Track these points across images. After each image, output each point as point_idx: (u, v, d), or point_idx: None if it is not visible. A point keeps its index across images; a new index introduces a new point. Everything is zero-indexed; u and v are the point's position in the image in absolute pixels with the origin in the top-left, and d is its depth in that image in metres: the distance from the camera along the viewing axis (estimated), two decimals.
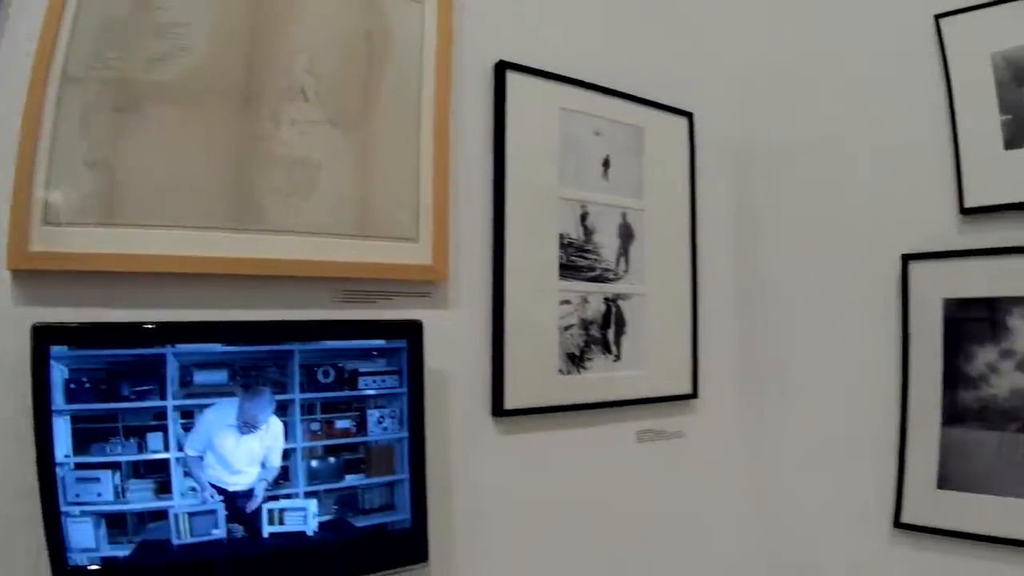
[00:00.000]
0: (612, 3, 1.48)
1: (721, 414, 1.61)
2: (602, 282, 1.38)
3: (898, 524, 1.37)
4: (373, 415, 1.01)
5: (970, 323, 1.31)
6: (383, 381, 1.01)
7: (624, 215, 1.42)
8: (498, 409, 1.23)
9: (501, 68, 1.27)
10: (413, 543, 1.03)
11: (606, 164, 1.38)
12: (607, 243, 1.38)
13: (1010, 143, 1.27)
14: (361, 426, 1.00)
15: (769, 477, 1.58)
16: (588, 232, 1.35)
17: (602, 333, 1.37)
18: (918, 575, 1.35)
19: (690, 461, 1.54)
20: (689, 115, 1.56)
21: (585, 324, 1.34)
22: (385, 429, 1.02)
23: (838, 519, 1.46)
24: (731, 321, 1.64)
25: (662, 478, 1.49)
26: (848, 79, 1.49)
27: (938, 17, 1.36)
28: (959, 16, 1.34)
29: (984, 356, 1.28)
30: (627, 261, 1.43)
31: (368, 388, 1.01)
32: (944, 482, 1.32)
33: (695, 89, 1.59)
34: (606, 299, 1.38)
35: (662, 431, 1.49)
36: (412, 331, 1.05)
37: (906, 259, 1.37)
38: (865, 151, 1.45)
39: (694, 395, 1.55)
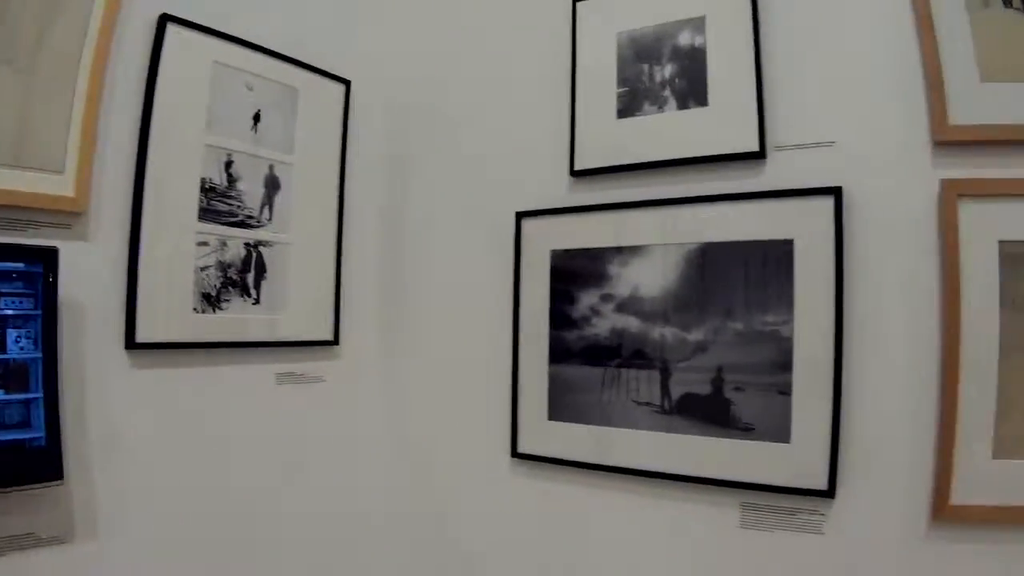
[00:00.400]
0: None
1: (362, 360, 1.66)
2: (244, 228, 1.40)
3: (515, 454, 1.46)
4: (11, 334, 1.05)
5: (575, 271, 1.43)
6: (20, 302, 1.05)
7: (272, 167, 1.43)
8: (131, 342, 1.24)
9: (163, 21, 1.28)
10: (48, 461, 1.07)
11: (256, 118, 1.41)
12: (251, 192, 1.41)
13: (622, 112, 1.41)
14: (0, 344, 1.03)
15: (407, 420, 1.66)
16: (232, 180, 1.37)
17: (241, 276, 1.39)
18: (534, 502, 1.49)
19: (331, 405, 1.59)
20: (347, 82, 1.60)
21: (223, 266, 1.36)
22: (22, 348, 1.05)
23: (467, 453, 1.57)
24: (374, 273, 1.69)
25: (303, 421, 1.53)
26: (490, 52, 1.59)
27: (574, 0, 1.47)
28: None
29: (587, 300, 1.38)
30: (271, 210, 1.44)
31: (6, 308, 1.04)
32: (554, 414, 1.40)
33: (354, 57, 1.62)
34: (247, 244, 1.40)
35: (302, 375, 1.52)
36: (47, 256, 1.07)
37: (520, 216, 1.49)
38: (496, 120, 1.57)
39: (335, 342, 1.58)
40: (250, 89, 1.41)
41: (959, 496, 1.12)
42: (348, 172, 1.62)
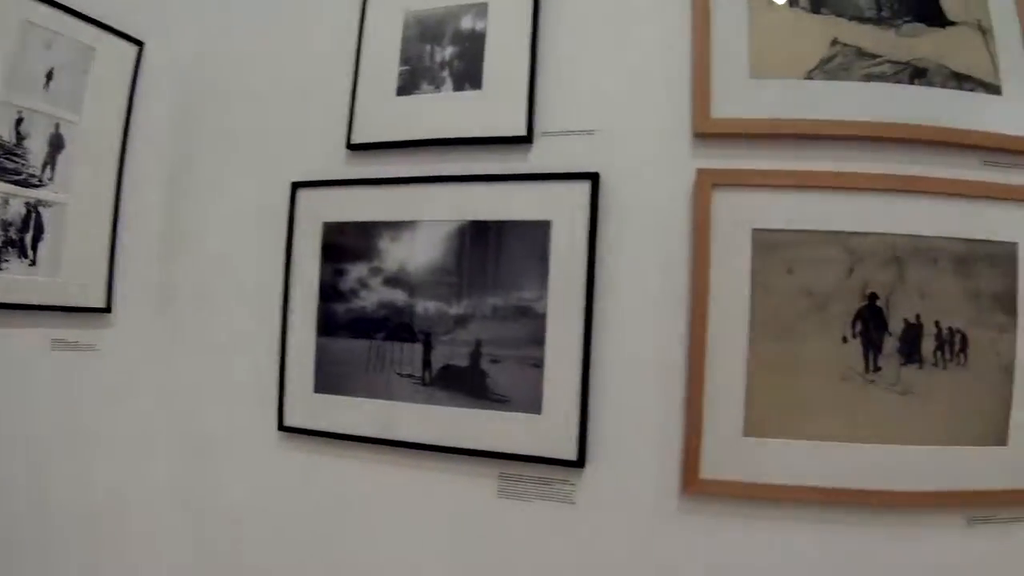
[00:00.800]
0: None
1: (136, 329, 1.38)
2: (26, 187, 1.17)
3: (282, 427, 1.26)
4: None
5: (346, 244, 1.22)
6: None
7: (57, 126, 1.22)
8: None
9: None
10: None
11: (49, 76, 1.23)
12: (36, 150, 1.19)
13: (402, 90, 1.25)
14: None
15: (179, 392, 1.39)
16: (20, 137, 1.18)
17: (20, 236, 1.17)
18: (300, 475, 1.29)
19: (103, 375, 1.34)
20: (140, 44, 1.36)
21: (4, 224, 1.16)
22: None
23: (237, 427, 1.35)
24: (154, 240, 1.43)
25: (76, 390, 1.29)
26: (282, 23, 1.45)
27: None
28: None
29: (356, 273, 1.25)
30: (53, 170, 1.22)
31: None
32: (320, 387, 1.27)
33: (150, 19, 1.41)
34: (27, 203, 1.17)
35: (75, 342, 1.29)
36: None
37: (295, 186, 1.29)
38: (282, 90, 1.39)
39: (107, 309, 1.33)
40: (48, 47, 1.21)
41: (709, 470, 1.05)
42: (132, 135, 1.34)
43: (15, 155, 1.19)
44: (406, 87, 1.24)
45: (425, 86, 1.22)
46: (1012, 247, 1.05)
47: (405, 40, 1.27)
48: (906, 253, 1.03)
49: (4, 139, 1.16)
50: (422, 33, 1.25)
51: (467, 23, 1.22)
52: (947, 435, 1.05)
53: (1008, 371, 1.03)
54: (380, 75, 1.26)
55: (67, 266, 1.26)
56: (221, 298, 1.36)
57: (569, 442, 1.11)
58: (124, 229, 1.34)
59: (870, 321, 1.04)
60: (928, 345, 1.04)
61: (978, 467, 1.05)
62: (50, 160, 1.24)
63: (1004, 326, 1.04)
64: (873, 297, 1.04)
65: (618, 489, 1.09)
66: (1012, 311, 1.04)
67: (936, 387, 1.03)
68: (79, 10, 1.23)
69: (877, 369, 1.04)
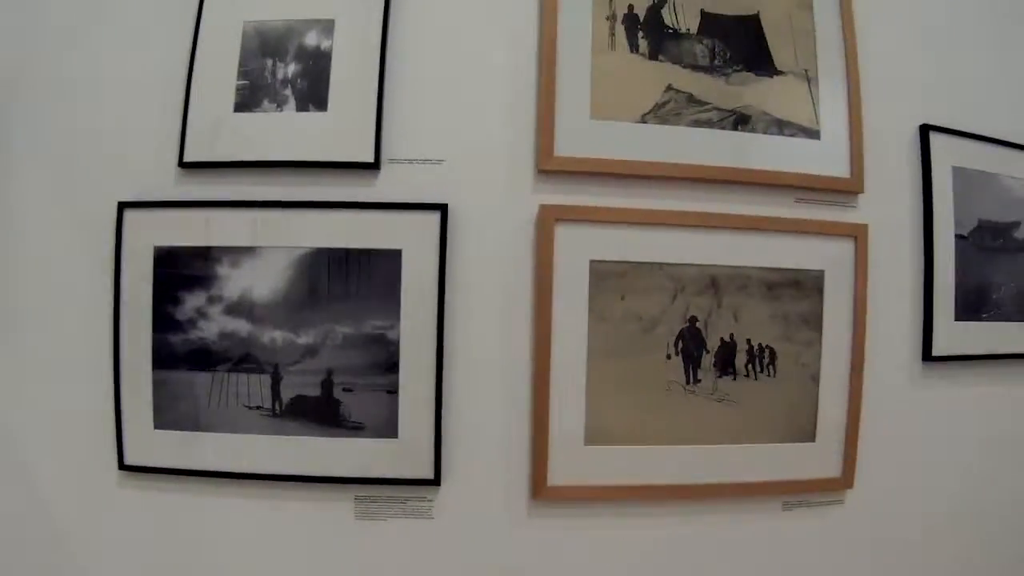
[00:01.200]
0: None
1: None
2: None
3: (123, 467, 1.24)
4: None
5: (180, 270, 1.20)
6: None
7: None
8: None
9: None
10: None
11: None
12: None
13: (240, 107, 1.23)
14: None
15: (7, 437, 1.28)
16: None
17: None
18: (147, 515, 1.27)
19: None
20: None
21: None
22: None
23: (73, 468, 1.28)
24: None
25: None
26: (106, 22, 1.32)
27: None
28: None
29: (193, 301, 1.20)
30: None
31: None
32: (161, 423, 1.22)
33: None
34: None
35: None
36: None
37: (122, 206, 1.22)
38: (102, 99, 1.29)
39: None
40: None
41: (555, 478, 1.19)
42: None
43: None
44: (246, 103, 1.24)
45: (266, 104, 1.22)
46: (819, 273, 1.28)
47: (244, 52, 1.25)
48: (722, 281, 1.21)
49: None
50: (262, 46, 1.24)
51: (312, 39, 1.23)
52: (761, 434, 1.27)
53: (815, 379, 1.28)
54: (216, 89, 1.24)
55: None
56: (41, 327, 1.27)
57: (426, 462, 1.21)
58: None
59: (690, 340, 1.21)
60: (741, 359, 1.25)
61: (791, 460, 1.28)
62: None
63: (811, 341, 1.27)
64: (693, 320, 1.22)
65: (474, 500, 1.21)
66: (818, 328, 1.27)
67: (749, 395, 1.25)
68: None
69: (697, 381, 1.24)
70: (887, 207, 1.31)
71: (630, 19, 1.25)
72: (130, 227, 1.22)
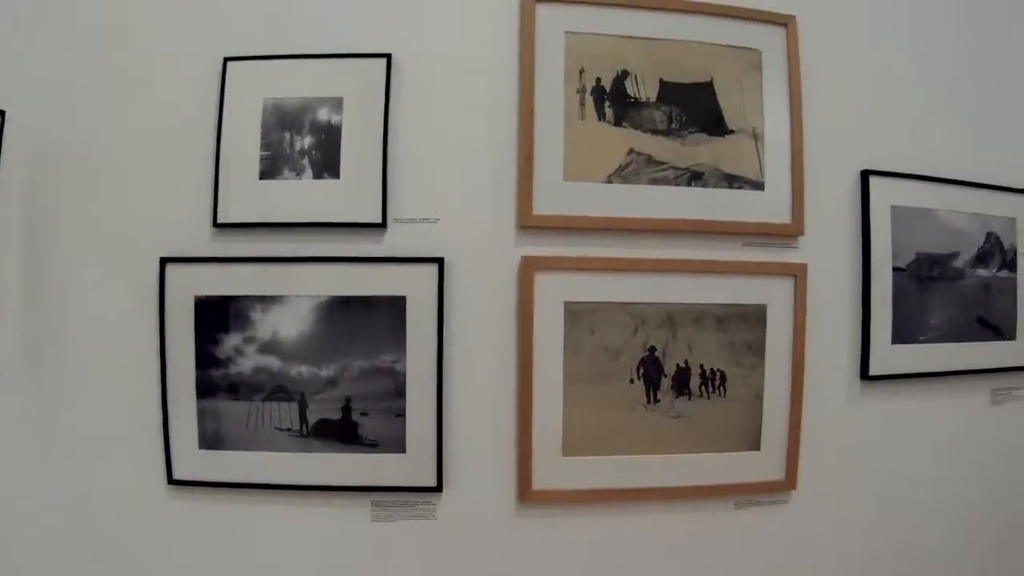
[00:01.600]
0: None
1: (17, 397, 1.53)
2: None
3: (172, 481, 1.53)
4: None
5: (218, 316, 1.50)
6: None
7: None
8: None
9: None
10: None
11: None
12: None
13: (264, 175, 1.50)
14: None
15: (64, 459, 1.56)
16: None
17: None
18: (192, 524, 1.55)
19: None
20: (1, 112, 1.43)
21: None
22: None
23: (126, 487, 1.55)
24: (17, 313, 1.54)
25: None
26: (142, 102, 1.54)
27: (227, 60, 1.51)
28: (243, 62, 1.51)
29: (231, 342, 1.50)
30: None
31: None
32: (206, 444, 1.52)
33: (7, 83, 1.48)
34: None
35: None
36: None
37: (164, 262, 1.50)
38: (143, 169, 1.53)
39: None
40: None
41: (539, 483, 1.48)
42: None
43: None
44: (269, 172, 1.50)
45: (287, 172, 1.49)
46: (762, 308, 1.55)
47: (265, 126, 1.52)
48: (678, 316, 1.47)
49: None
50: (281, 120, 1.51)
51: (323, 115, 1.49)
52: (714, 445, 1.56)
53: (759, 397, 1.57)
54: (243, 159, 1.51)
55: None
56: (98, 366, 1.54)
57: (429, 472, 1.51)
58: None
59: (650, 367, 1.47)
60: (695, 382, 1.53)
61: (740, 466, 1.57)
62: None
63: (755, 365, 1.54)
64: (652, 349, 1.50)
65: (470, 504, 1.50)
66: (761, 354, 1.55)
67: (702, 412, 1.54)
68: None
69: (657, 401, 1.53)
70: (827, 246, 1.57)
71: (598, 91, 1.51)
72: (172, 279, 1.50)
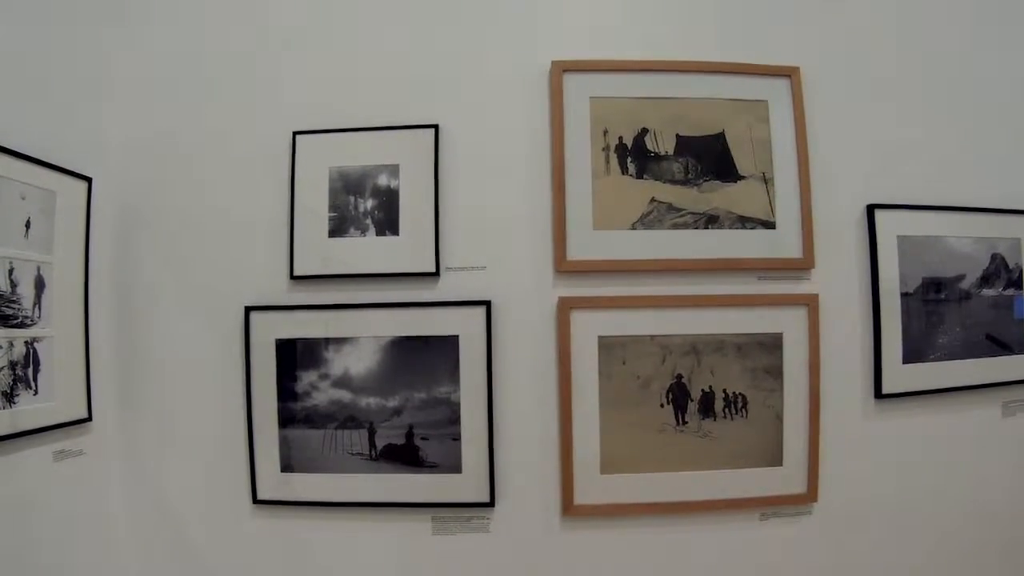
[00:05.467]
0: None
1: (114, 433, 1.90)
2: (23, 327, 1.56)
3: (256, 501, 1.87)
4: None
5: (296, 356, 1.85)
6: None
7: (39, 268, 1.60)
8: None
9: None
10: None
11: (27, 225, 1.57)
12: (26, 294, 1.56)
13: (333, 233, 1.85)
14: None
15: (157, 486, 1.91)
16: (14, 285, 1.54)
17: (24, 372, 1.57)
18: (275, 539, 1.89)
19: (92, 477, 1.82)
20: (89, 180, 1.77)
21: (12, 365, 1.52)
22: None
23: (214, 507, 1.90)
24: (113, 357, 1.92)
25: (74, 492, 1.75)
26: (225, 171, 1.92)
27: (296, 134, 1.87)
28: (309, 136, 1.88)
29: (307, 378, 1.92)
30: (40, 308, 1.61)
31: None
32: (287, 467, 1.92)
33: (96, 153, 1.83)
34: (26, 342, 1.57)
35: (70, 450, 1.76)
36: None
37: (248, 310, 1.85)
38: (226, 226, 1.90)
39: (89, 418, 1.81)
40: (23, 198, 1.59)
41: (580, 499, 1.77)
42: (92, 266, 1.82)
43: (12, 302, 1.61)
44: (336, 230, 1.85)
45: (352, 231, 1.83)
46: (778, 336, 1.83)
47: (332, 191, 1.87)
48: (701, 346, 1.79)
49: (2, 290, 1.57)
50: (346, 186, 1.85)
51: (383, 180, 1.84)
52: (738, 461, 1.83)
53: (779, 417, 1.83)
54: (313, 219, 1.86)
55: (58, 390, 1.72)
56: (187, 402, 1.90)
57: (483, 490, 1.81)
58: (93, 347, 1.83)
59: (678, 392, 1.78)
60: (719, 405, 1.81)
61: (764, 481, 1.84)
62: (36, 300, 1.67)
63: (774, 388, 1.82)
64: (679, 376, 1.79)
65: (520, 517, 1.78)
66: (779, 377, 1.82)
67: (726, 431, 1.82)
68: (40, 158, 1.54)
69: (685, 423, 1.81)
70: (838, 276, 1.87)
71: (621, 148, 1.84)
72: (256, 325, 1.87)
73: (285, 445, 1.87)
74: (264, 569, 1.88)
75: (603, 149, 1.84)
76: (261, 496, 1.87)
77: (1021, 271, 1.98)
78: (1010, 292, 1.96)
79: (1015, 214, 1.99)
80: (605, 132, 1.84)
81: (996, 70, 2.03)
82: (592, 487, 1.81)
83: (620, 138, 1.85)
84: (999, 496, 1.99)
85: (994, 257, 1.95)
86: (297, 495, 1.87)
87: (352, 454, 1.85)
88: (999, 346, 1.94)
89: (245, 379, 1.87)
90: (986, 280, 1.94)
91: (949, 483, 1.96)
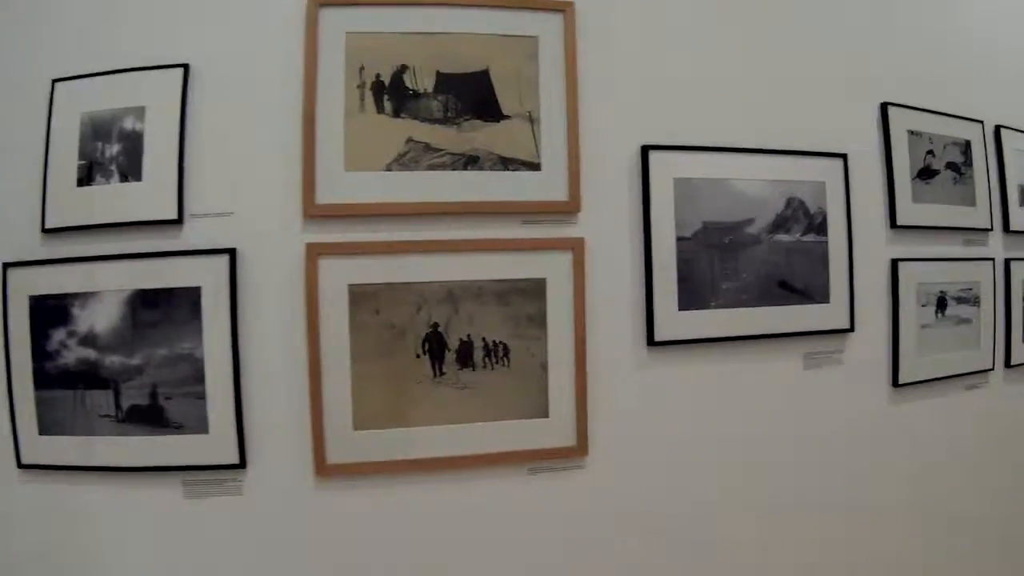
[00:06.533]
0: None
1: None
2: None
3: (20, 466, 1.81)
4: None
5: (48, 313, 1.78)
6: None
7: None
8: None
9: None
10: None
11: None
12: None
13: (81, 181, 1.78)
14: None
15: None
16: None
17: None
18: (40, 504, 1.83)
19: None
20: None
21: None
22: None
23: None
24: None
25: None
26: None
27: (55, 81, 1.81)
28: (68, 82, 1.81)
29: (58, 337, 1.85)
30: None
31: None
32: (44, 430, 1.80)
33: None
34: None
35: None
36: None
37: (5, 266, 1.79)
38: None
39: None
40: None
41: (333, 458, 1.74)
42: None
43: None
44: (84, 179, 1.78)
45: (99, 178, 1.76)
46: (542, 281, 1.76)
47: (82, 138, 1.79)
48: (460, 292, 1.72)
49: None
50: (95, 132, 1.78)
51: (129, 124, 1.77)
52: (502, 413, 1.77)
53: (544, 367, 1.78)
54: (64, 169, 1.79)
55: None
56: None
57: (231, 451, 1.75)
58: None
59: (434, 342, 1.71)
60: (479, 354, 1.74)
61: (531, 433, 1.79)
62: None
63: (538, 336, 1.76)
64: (436, 325, 1.72)
65: (273, 478, 1.69)
66: (543, 325, 1.76)
67: (488, 382, 1.76)
68: None
69: (443, 374, 1.75)
70: (608, 220, 1.81)
71: (377, 86, 1.77)
72: (11, 281, 1.81)
73: (42, 406, 1.80)
74: (31, 534, 1.83)
75: (358, 87, 1.77)
76: (24, 460, 1.81)
77: (825, 216, 1.88)
78: (810, 238, 1.88)
79: (819, 156, 1.90)
80: (361, 69, 1.77)
81: (794, 10, 1.98)
82: (346, 445, 1.75)
83: (377, 75, 1.78)
84: (802, 449, 2.00)
85: (790, 201, 1.87)
86: (54, 459, 1.80)
87: (101, 416, 1.78)
88: (798, 294, 1.85)
89: (3, 339, 1.80)
90: (780, 225, 1.85)
91: (743, 434, 1.96)
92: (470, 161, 1.76)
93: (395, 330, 1.75)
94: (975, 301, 2.11)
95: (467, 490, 1.80)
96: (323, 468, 1.74)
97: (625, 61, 1.81)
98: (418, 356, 1.76)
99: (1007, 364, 2.22)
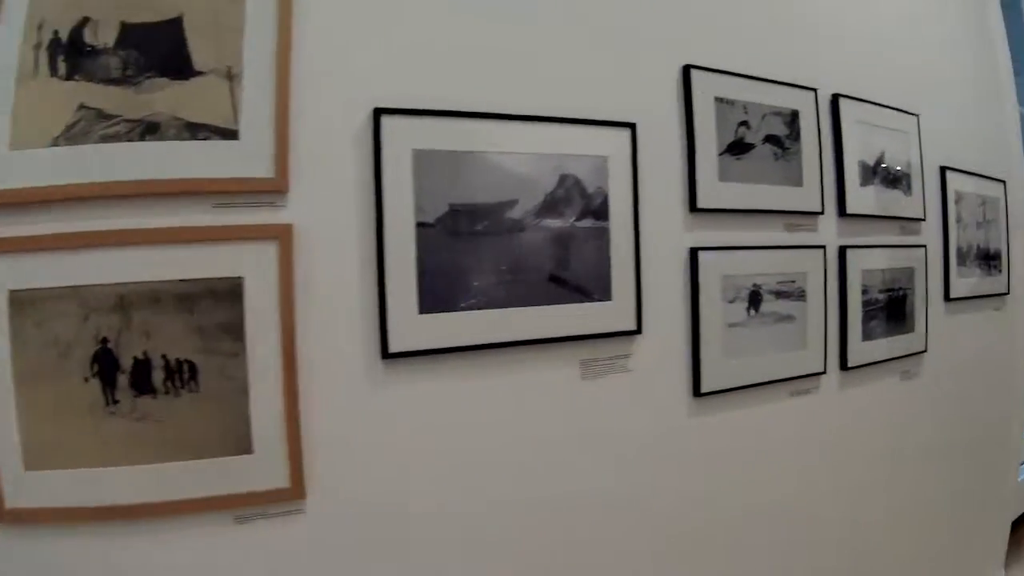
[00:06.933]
0: None
1: None
2: None
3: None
4: None
5: None
6: None
7: None
8: None
9: None
10: None
11: None
12: None
13: None
14: None
15: None
16: None
17: None
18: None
19: None
20: None
21: None
22: None
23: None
24: None
25: None
26: None
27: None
28: None
29: None
30: None
31: None
32: None
33: None
34: None
35: None
36: None
37: None
38: None
39: None
40: None
41: (10, 502, 1.44)
42: None
43: None
44: None
45: None
46: (238, 280, 1.40)
47: None
48: (131, 298, 1.36)
49: None
50: None
51: None
52: (195, 451, 1.44)
53: (244, 390, 1.41)
54: None
55: None
56: None
57: None
58: None
59: (105, 361, 1.34)
60: (159, 376, 1.40)
61: (233, 474, 1.45)
62: None
63: (236, 352, 1.40)
64: (105, 340, 1.38)
65: None
66: (240, 338, 1.38)
67: (173, 412, 1.42)
68: None
69: (116, 402, 1.41)
70: (327, 202, 1.43)
71: (54, 44, 1.44)
72: None
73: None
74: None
75: (35, 47, 1.46)
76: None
77: (606, 197, 1.52)
78: (587, 223, 1.51)
79: (601, 126, 1.53)
80: (40, 26, 1.45)
81: None
82: (21, 488, 1.44)
83: (56, 32, 1.46)
84: (567, 477, 1.67)
85: (564, 179, 1.50)
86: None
87: None
88: (573, 291, 1.49)
89: None
90: (552, 208, 1.49)
91: (491, 464, 1.62)
92: (149, 129, 1.40)
93: (60, 347, 1.43)
94: (800, 295, 1.77)
95: (168, 542, 1.48)
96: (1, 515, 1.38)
97: (358, 3, 1.49)
98: (87, 380, 1.43)
99: (843, 367, 1.90)
